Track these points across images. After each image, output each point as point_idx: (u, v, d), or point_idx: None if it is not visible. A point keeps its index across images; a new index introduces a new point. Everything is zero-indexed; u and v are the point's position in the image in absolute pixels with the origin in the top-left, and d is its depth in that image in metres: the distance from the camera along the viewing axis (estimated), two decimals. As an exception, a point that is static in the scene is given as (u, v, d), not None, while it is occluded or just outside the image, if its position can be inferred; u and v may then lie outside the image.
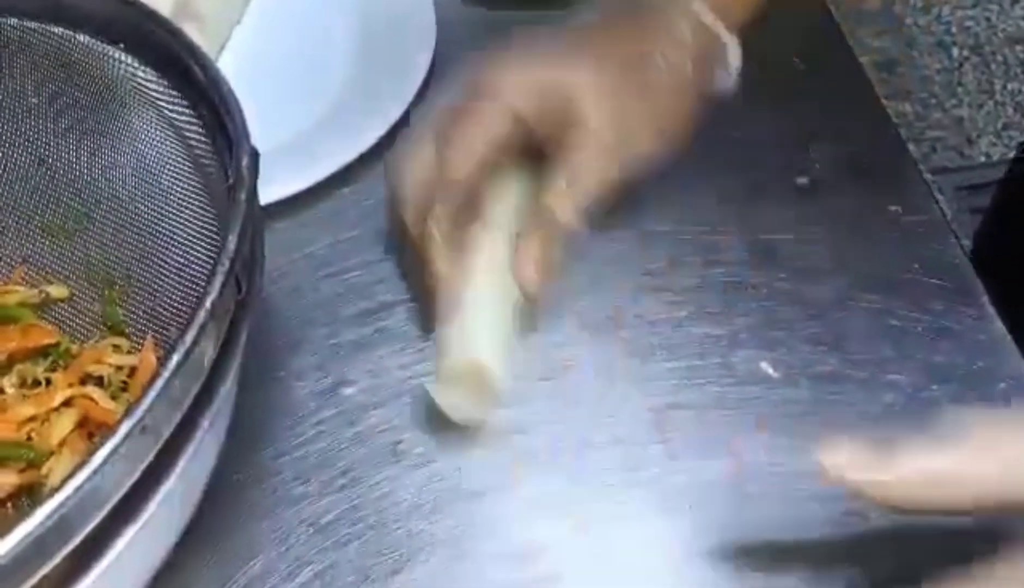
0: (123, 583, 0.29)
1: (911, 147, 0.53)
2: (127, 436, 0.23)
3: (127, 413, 0.23)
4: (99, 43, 0.35)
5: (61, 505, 0.21)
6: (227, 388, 0.27)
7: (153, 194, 0.37)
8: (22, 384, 0.36)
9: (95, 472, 0.22)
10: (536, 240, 0.38)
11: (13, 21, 0.36)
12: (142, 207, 0.37)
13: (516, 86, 0.39)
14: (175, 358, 0.23)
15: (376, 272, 0.46)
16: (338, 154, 0.48)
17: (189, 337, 0.24)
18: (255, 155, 0.30)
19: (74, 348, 0.37)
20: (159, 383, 0.23)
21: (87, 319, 0.38)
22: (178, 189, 0.36)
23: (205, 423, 0.26)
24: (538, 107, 0.39)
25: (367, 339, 0.44)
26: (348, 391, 0.42)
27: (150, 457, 0.24)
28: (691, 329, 0.43)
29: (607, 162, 0.39)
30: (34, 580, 0.22)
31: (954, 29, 1.71)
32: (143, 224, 0.37)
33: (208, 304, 0.25)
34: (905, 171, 0.50)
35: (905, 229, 0.47)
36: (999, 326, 0.43)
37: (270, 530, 0.38)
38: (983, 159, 1.52)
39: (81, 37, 0.35)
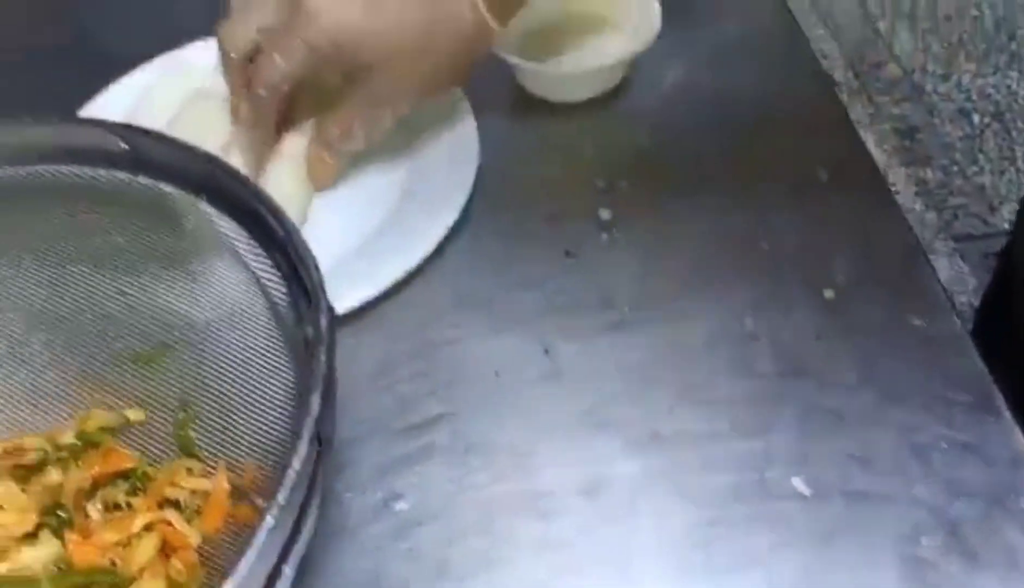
0: None
1: (932, 215, 0.56)
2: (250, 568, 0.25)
3: (243, 546, 0.25)
4: (182, 193, 0.38)
5: None
6: (308, 532, 0.30)
7: (228, 329, 0.40)
8: (105, 509, 0.38)
9: None
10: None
11: (102, 172, 0.39)
12: (217, 339, 0.40)
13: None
14: (264, 527, 0.26)
15: (425, 384, 0.48)
16: (390, 269, 0.51)
17: (278, 502, 0.26)
18: (332, 313, 0.32)
19: (151, 471, 0.40)
20: (250, 555, 0.26)
21: (161, 441, 0.41)
22: (252, 326, 0.39)
23: (288, 571, 0.29)
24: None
25: (416, 453, 0.46)
26: (398, 506, 0.44)
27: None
28: (728, 444, 0.46)
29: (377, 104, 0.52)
30: None
31: (975, 96, 1.74)
32: (218, 355, 0.40)
33: (294, 470, 0.27)
34: (926, 283, 0.52)
35: (928, 342, 0.49)
36: (1019, 439, 0.45)
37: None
38: (1006, 226, 1.54)
39: (165, 187, 0.39)
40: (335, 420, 0.33)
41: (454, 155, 0.57)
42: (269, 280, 0.36)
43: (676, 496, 0.44)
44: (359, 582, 0.42)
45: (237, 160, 0.54)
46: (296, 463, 0.27)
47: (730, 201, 0.56)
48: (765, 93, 0.62)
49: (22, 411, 0.42)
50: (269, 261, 0.36)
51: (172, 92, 0.59)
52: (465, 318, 0.51)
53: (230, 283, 0.39)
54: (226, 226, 0.37)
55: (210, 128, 0.56)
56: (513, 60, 0.59)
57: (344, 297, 0.50)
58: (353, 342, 0.50)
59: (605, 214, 0.56)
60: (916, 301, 0.51)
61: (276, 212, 0.35)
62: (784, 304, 0.51)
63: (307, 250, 0.34)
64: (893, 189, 0.57)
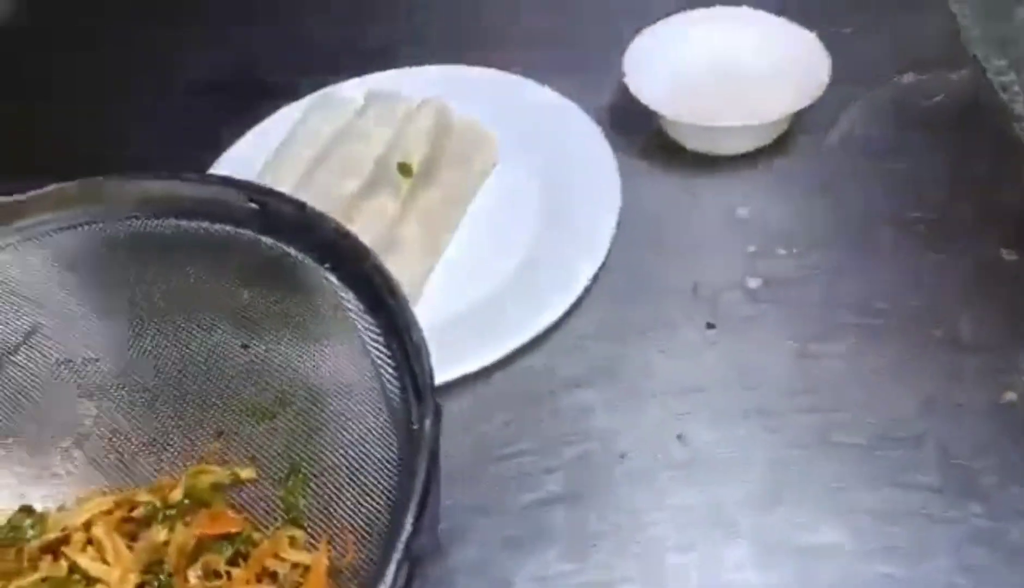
0: None
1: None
2: None
3: None
4: (309, 260, 0.37)
5: None
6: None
7: (343, 397, 0.38)
8: (205, 575, 0.38)
9: None
10: None
11: (229, 228, 0.38)
12: (331, 406, 0.39)
13: None
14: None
15: (547, 458, 0.46)
16: (523, 327, 0.49)
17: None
18: (439, 412, 0.30)
19: (256, 536, 0.39)
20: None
21: (268, 504, 0.40)
22: (365, 402, 0.37)
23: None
24: None
25: (533, 535, 0.43)
26: (511, 591, 0.42)
27: None
28: (873, 565, 0.41)
29: None
30: None
31: None
32: (331, 426, 0.39)
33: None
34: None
35: None
36: None
37: None
38: None
39: (291, 250, 0.37)
40: (435, 532, 0.31)
41: (591, 208, 0.54)
42: (383, 362, 0.34)
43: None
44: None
45: (374, 204, 0.53)
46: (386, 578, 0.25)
47: (900, 278, 0.50)
48: (945, 157, 0.55)
49: (144, 457, 0.42)
50: (383, 342, 0.34)
51: (322, 127, 0.59)
52: (593, 389, 0.48)
53: (347, 355, 0.37)
54: (347, 298, 0.36)
55: (353, 169, 0.56)
56: (661, 111, 0.55)
57: (466, 359, 0.48)
58: (475, 407, 0.48)
59: (753, 283, 0.52)
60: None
61: (396, 294, 0.33)
62: (957, 404, 0.45)
63: (423, 344, 0.32)
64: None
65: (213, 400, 0.42)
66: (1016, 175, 0.54)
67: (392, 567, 0.26)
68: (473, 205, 0.56)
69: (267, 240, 0.38)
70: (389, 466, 0.34)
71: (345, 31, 0.70)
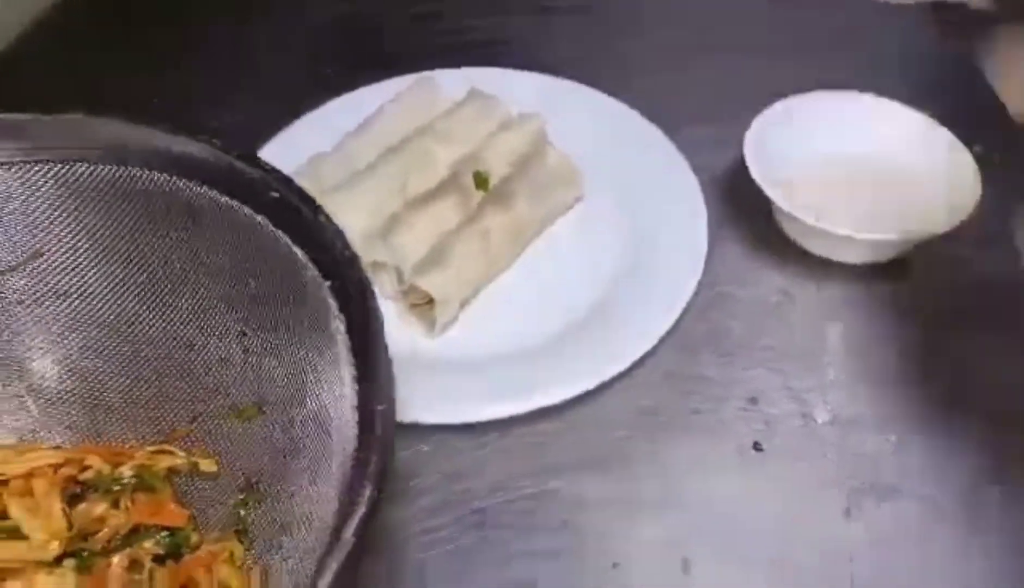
0: None
1: None
2: None
3: None
4: (315, 269, 0.34)
5: None
6: None
7: (318, 420, 0.35)
8: (130, 565, 0.35)
9: None
10: None
11: (248, 211, 0.35)
12: (308, 429, 0.35)
13: None
14: None
15: (528, 540, 0.41)
16: (540, 393, 0.44)
17: None
18: (385, 464, 0.27)
19: (195, 538, 0.36)
20: None
21: (219, 509, 0.37)
22: (335, 430, 0.33)
23: None
24: None
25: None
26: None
27: None
28: None
29: None
30: None
31: None
32: (300, 449, 0.35)
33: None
34: None
35: None
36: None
37: None
38: None
39: (299, 253, 0.34)
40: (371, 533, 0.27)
41: (661, 279, 0.48)
42: (356, 399, 0.31)
43: None
44: None
45: (437, 209, 0.49)
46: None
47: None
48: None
49: (109, 422, 0.39)
50: (361, 381, 0.30)
51: (410, 113, 0.56)
52: (599, 480, 0.43)
53: (330, 375, 0.33)
54: (340, 321, 0.32)
55: (425, 167, 0.52)
56: (779, 202, 0.49)
57: (474, 407, 0.44)
58: (468, 458, 0.44)
59: (823, 415, 0.45)
60: None
61: (378, 330, 0.29)
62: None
63: (390, 394, 0.28)
64: None
65: (196, 383, 0.39)
66: None
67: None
68: (540, 241, 0.52)
69: (283, 236, 0.34)
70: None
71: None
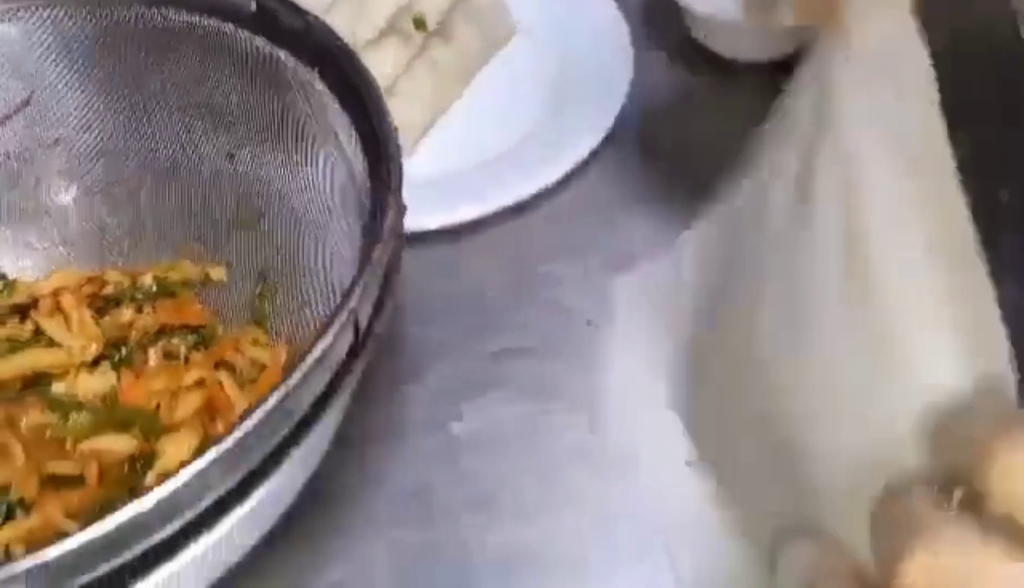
0: (213, 565, 0.31)
1: None
2: (239, 441, 0.24)
3: (242, 418, 0.25)
4: (296, 62, 0.37)
5: (172, 490, 0.23)
6: (331, 415, 0.29)
7: (320, 210, 0.39)
8: (165, 356, 0.39)
9: (210, 463, 0.24)
10: None
11: (230, 27, 0.39)
12: (306, 216, 0.39)
13: None
14: (280, 392, 0.25)
15: (509, 318, 0.46)
16: (502, 194, 0.49)
17: (297, 376, 0.25)
18: (401, 214, 0.31)
19: (219, 331, 0.40)
20: (255, 418, 0.24)
21: (237, 307, 0.41)
22: (339, 208, 0.37)
23: (295, 456, 0.27)
24: None
25: (486, 381, 0.44)
26: (456, 427, 0.43)
27: (254, 463, 0.26)
28: None
29: None
30: (132, 554, 0.24)
31: None
32: (303, 231, 0.39)
33: (318, 351, 0.26)
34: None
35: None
36: None
37: (352, 547, 0.39)
38: None
39: (281, 53, 0.38)
40: (385, 318, 0.31)
41: (598, 90, 0.53)
42: (358, 166, 0.35)
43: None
44: (404, 491, 0.41)
45: (383, 52, 0.53)
46: (319, 348, 0.26)
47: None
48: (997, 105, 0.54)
49: (122, 245, 0.43)
50: (360, 146, 0.34)
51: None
52: (571, 264, 0.48)
53: (325, 162, 0.37)
54: (331, 106, 0.36)
55: (367, 17, 0.55)
56: (685, 3, 0.55)
57: (452, 211, 0.48)
58: (451, 259, 0.49)
59: (750, 187, 0.52)
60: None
61: (375, 100, 0.34)
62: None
63: (397, 149, 0.32)
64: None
65: (194, 204, 0.43)
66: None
67: (336, 325, 0.27)
68: (483, 73, 0.56)
69: (260, 41, 0.38)
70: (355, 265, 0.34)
71: None
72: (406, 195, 0.48)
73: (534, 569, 0.38)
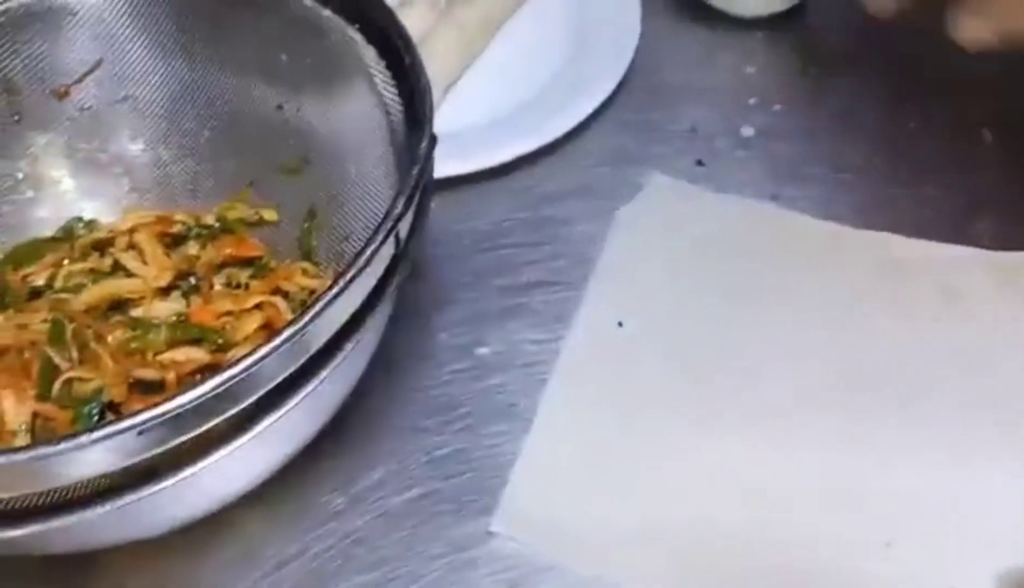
0: (266, 458, 0.36)
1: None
2: (290, 337, 0.30)
3: (293, 321, 0.30)
4: (338, 18, 0.42)
5: (231, 377, 0.29)
6: (373, 323, 0.34)
7: (359, 151, 0.44)
8: (228, 284, 0.44)
9: (261, 357, 0.29)
10: None
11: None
12: (348, 160, 0.45)
13: None
14: (330, 295, 0.30)
15: (528, 255, 0.51)
16: (522, 142, 0.54)
17: (343, 281, 0.30)
18: (433, 141, 0.36)
19: (273, 264, 0.46)
20: (318, 306, 0.30)
21: (288, 243, 0.46)
22: (377, 151, 0.42)
23: (348, 346, 0.33)
24: None
25: (508, 310, 0.49)
26: (482, 351, 0.48)
27: (302, 359, 0.31)
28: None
29: None
30: (196, 433, 0.30)
31: None
32: (346, 174, 0.44)
33: (368, 253, 0.31)
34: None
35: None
36: None
37: (393, 450, 0.45)
38: None
39: (325, 12, 0.43)
40: (419, 234, 0.36)
41: (610, 46, 0.58)
42: (393, 106, 0.40)
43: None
44: (438, 404, 0.46)
45: (412, 14, 0.58)
46: (367, 251, 0.31)
47: (877, 140, 0.54)
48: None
49: (184, 191, 0.48)
50: (396, 91, 0.39)
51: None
52: (584, 203, 0.53)
53: (365, 109, 0.42)
54: (369, 55, 0.41)
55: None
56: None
57: (478, 158, 0.53)
58: (476, 205, 0.54)
59: (747, 131, 0.56)
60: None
61: (411, 51, 0.38)
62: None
63: (428, 85, 0.37)
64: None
65: (247, 153, 0.48)
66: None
67: (380, 236, 0.32)
68: (503, 31, 0.61)
69: (308, 2, 0.43)
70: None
71: None
72: (437, 145, 0.54)
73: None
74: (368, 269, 0.32)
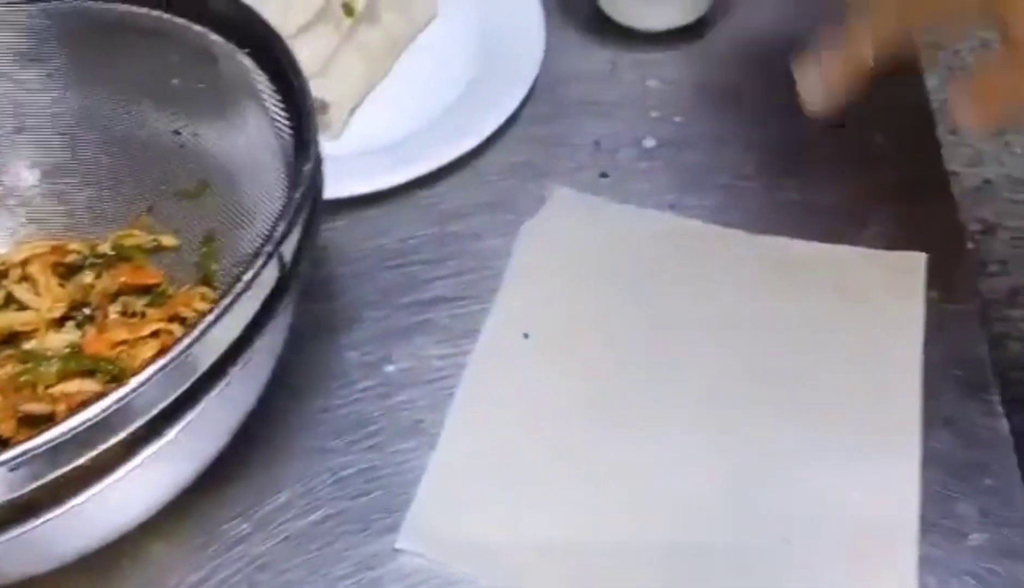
0: (161, 485, 0.36)
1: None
2: (164, 366, 0.30)
3: (168, 349, 0.30)
4: (228, 44, 0.42)
5: (104, 408, 0.29)
6: (263, 345, 0.34)
7: (254, 174, 0.44)
8: (124, 313, 0.44)
9: (136, 387, 0.29)
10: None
11: (166, 16, 0.44)
12: (244, 183, 0.45)
13: None
14: (207, 321, 0.30)
15: (435, 271, 0.52)
16: (428, 159, 0.54)
17: (220, 307, 0.30)
18: (318, 163, 0.36)
19: (171, 290, 0.45)
20: (195, 333, 0.30)
21: (188, 268, 0.46)
22: (271, 174, 0.42)
23: (234, 370, 0.33)
24: None
25: (415, 326, 0.50)
26: (389, 368, 0.48)
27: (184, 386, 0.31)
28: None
29: None
30: (80, 461, 0.29)
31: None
32: (243, 197, 0.45)
33: (248, 277, 0.31)
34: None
35: (941, 314, 0.48)
36: (1003, 424, 0.44)
37: (299, 473, 0.44)
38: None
39: (216, 38, 0.43)
40: (309, 255, 0.37)
41: (515, 63, 0.59)
42: (285, 132, 0.40)
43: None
44: (345, 423, 0.46)
45: (315, 37, 0.58)
46: (248, 275, 0.31)
47: (771, 150, 0.56)
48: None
49: (82, 220, 0.48)
50: (286, 114, 0.40)
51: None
52: (490, 218, 0.54)
53: (258, 133, 0.42)
54: (259, 80, 0.41)
55: (300, 6, 0.60)
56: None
57: (384, 176, 0.54)
58: (381, 223, 0.54)
59: (649, 143, 0.57)
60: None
61: (296, 71, 0.39)
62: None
63: (313, 109, 0.38)
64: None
65: (146, 179, 0.48)
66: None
67: (261, 259, 0.32)
68: (409, 51, 0.61)
69: (197, 28, 0.43)
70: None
71: None
72: (340, 165, 0.54)
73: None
74: (248, 293, 0.32)
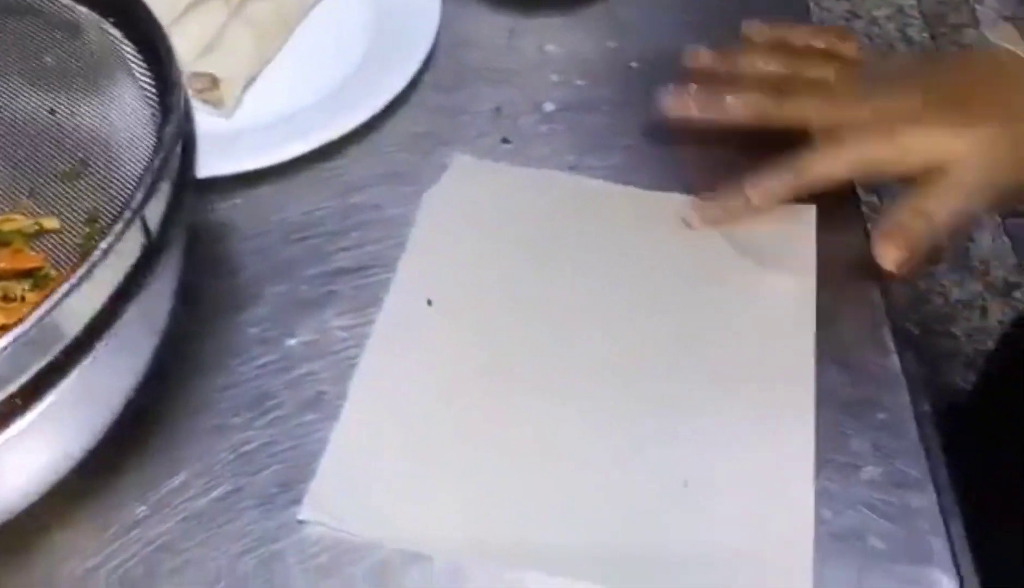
0: (37, 465, 0.35)
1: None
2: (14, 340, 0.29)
3: (17, 322, 0.29)
4: (94, 14, 0.41)
5: None
6: (133, 318, 0.33)
7: (132, 149, 0.43)
8: (4, 297, 0.42)
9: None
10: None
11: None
12: (123, 159, 0.43)
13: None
14: (57, 295, 0.29)
15: (338, 242, 0.51)
16: (326, 130, 0.54)
17: (73, 279, 0.29)
18: (180, 130, 0.35)
19: (53, 273, 0.44)
20: (44, 307, 0.29)
21: (70, 250, 0.45)
22: (148, 147, 0.41)
23: (100, 345, 0.32)
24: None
25: (318, 299, 0.49)
26: (291, 342, 0.47)
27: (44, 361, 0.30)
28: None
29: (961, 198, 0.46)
30: None
31: None
32: (124, 174, 0.43)
33: (103, 246, 0.30)
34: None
35: (833, 260, 0.49)
36: (894, 360, 0.45)
37: (199, 452, 0.44)
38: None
39: (81, 9, 0.41)
40: (177, 224, 0.36)
41: (410, 32, 0.58)
42: (155, 102, 0.39)
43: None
44: (245, 399, 0.45)
45: (204, 10, 0.57)
46: (104, 243, 0.30)
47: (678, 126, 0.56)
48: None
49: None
50: (154, 83, 0.39)
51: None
52: (392, 188, 0.53)
53: (131, 105, 0.41)
54: (127, 50, 0.40)
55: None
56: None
57: (280, 149, 0.53)
58: (281, 197, 0.53)
59: (549, 106, 0.57)
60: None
61: (163, 37, 0.38)
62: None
63: (177, 72, 0.37)
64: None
65: (24, 162, 0.46)
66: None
67: (118, 227, 0.31)
68: (304, 24, 0.60)
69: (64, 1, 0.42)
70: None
71: None
72: (236, 140, 0.53)
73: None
74: (107, 262, 0.31)
